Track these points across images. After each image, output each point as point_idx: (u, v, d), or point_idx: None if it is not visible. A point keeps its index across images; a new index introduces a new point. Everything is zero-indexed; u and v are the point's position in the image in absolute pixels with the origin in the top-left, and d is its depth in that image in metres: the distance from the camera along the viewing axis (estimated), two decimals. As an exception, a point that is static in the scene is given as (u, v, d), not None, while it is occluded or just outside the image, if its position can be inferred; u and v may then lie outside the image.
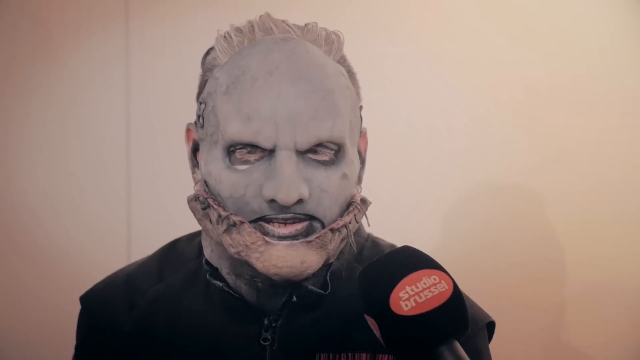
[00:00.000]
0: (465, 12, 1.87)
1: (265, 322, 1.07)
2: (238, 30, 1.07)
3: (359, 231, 1.14)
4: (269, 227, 1.00)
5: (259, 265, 1.00)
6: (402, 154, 1.86)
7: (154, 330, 1.11)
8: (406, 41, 1.87)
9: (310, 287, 1.06)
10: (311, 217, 1.00)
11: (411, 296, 0.86)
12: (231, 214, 1.00)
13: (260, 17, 1.08)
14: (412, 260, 0.90)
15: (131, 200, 2.04)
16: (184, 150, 2.04)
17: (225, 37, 1.07)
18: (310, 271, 1.01)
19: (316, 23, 1.08)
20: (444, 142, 1.88)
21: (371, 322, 0.90)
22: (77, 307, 1.99)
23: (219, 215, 1.01)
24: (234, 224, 1.00)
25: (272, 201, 0.98)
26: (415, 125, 1.88)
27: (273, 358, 1.06)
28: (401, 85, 1.86)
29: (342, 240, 1.05)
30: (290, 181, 0.97)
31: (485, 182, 1.87)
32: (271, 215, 0.99)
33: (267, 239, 0.99)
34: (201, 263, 1.13)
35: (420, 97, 1.88)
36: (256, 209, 0.99)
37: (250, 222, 1.00)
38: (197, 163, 1.09)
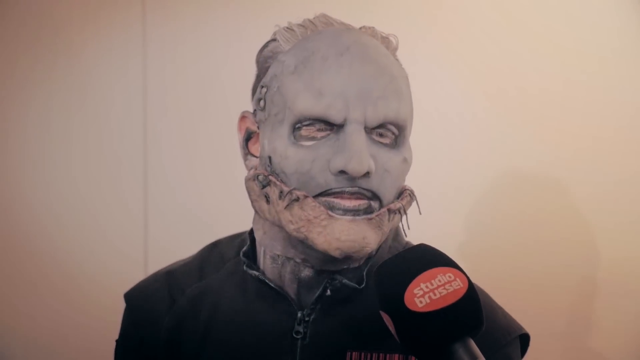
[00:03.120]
0: (478, 20, 1.90)
1: (299, 315, 1.09)
2: (299, 24, 1.10)
3: (398, 237, 1.15)
4: (334, 200, 1.01)
5: (320, 239, 1.01)
6: (422, 149, 1.87)
7: (192, 326, 1.14)
8: (417, 45, 1.90)
9: (345, 280, 1.07)
10: (373, 196, 1.02)
11: (426, 293, 0.87)
12: (294, 188, 1.02)
13: (315, 17, 1.11)
14: (427, 258, 0.91)
15: (148, 195, 2.05)
16: (201, 145, 2.05)
17: (286, 29, 1.10)
18: (369, 249, 1.02)
19: (373, 27, 1.12)
20: (462, 140, 1.90)
21: (386, 319, 0.90)
22: (91, 307, 2.01)
23: (281, 192, 1.03)
24: (297, 199, 1.01)
25: (340, 174, 1.00)
26: (435, 119, 1.90)
27: (304, 352, 1.08)
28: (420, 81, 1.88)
29: (390, 230, 1.07)
30: (361, 152, 0.99)
31: (511, 180, 1.88)
32: (337, 189, 1.01)
33: (330, 213, 1.01)
34: (239, 260, 1.15)
35: (438, 94, 1.90)
36: (322, 182, 1.01)
37: (314, 196, 1.01)
38: (249, 151, 1.11)
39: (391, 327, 0.90)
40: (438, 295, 0.86)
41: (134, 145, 2.05)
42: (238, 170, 1.17)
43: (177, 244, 1.99)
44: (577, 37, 1.85)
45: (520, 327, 1.12)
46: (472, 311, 0.87)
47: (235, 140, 1.14)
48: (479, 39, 1.89)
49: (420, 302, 0.86)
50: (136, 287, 1.23)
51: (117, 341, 1.21)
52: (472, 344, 0.87)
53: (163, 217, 2.05)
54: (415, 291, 0.87)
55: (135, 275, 1.98)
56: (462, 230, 1.88)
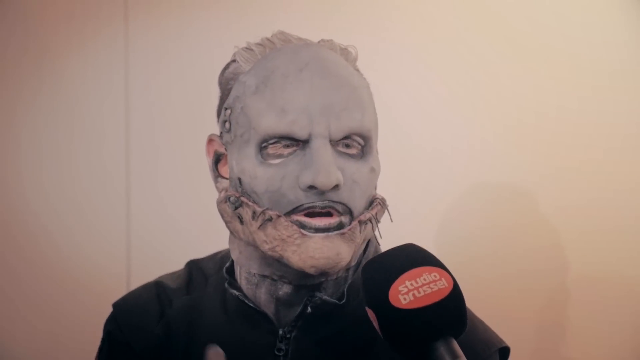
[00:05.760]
0: (473, 30, 1.91)
1: (280, 332, 1.09)
2: (257, 43, 1.11)
3: (374, 250, 1.16)
4: (305, 219, 1.02)
5: (295, 258, 1.01)
6: (399, 160, 1.88)
7: (177, 338, 1.14)
8: (414, 52, 1.93)
9: (325, 297, 1.08)
10: (343, 209, 1.03)
11: (410, 290, 0.87)
12: (267, 208, 1.02)
13: (273, 34, 1.12)
14: (414, 256, 0.91)
15: (131, 202, 2.05)
16: (183, 152, 2.07)
17: (245, 49, 1.11)
18: (343, 263, 1.03)
19: (331, 39, 1.13)
20: (445, 151, 1.91)
21: (371, 314, 0.91)
22: (75, 308, 2.00)
23: (254, 212, 1.03)
24: (270, 219, 1.02)
25: (309, 189, 1.01)
26: (415, 133, 1.92)
27: None
28: (403, 95, 1.90)
29: (363, 241, 1.07)
30: (328, 166, 1.00)
31: (484, 190, 1.89)
32: (307, 204, 1.01)
33: (303, 231, 1.01)
34: (221, 276, 1.16)
35: (420, 105, 1.92)
36: (292, 199, 1.01)
37: (286, 214, 1.02)
38: (219, 174, 1.12)
39: (375, 323, 0.90)
40: (422, 294, 0.87)
41: (118, 154, 2.06)
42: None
43: (159, 237, 2.00)
44: (591, 53, 1.87)
45: (501, 341, 1.13)
46: (455, 311, 0.88)
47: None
48: (463, 45, 1.91)
49: (404, 299, 0.87)
50: (126, 296, 1.24)
51: (100, 347, 1.21)
52: (454, 343, 0.87)
53: (146, 226, 2.05)
54: (400, 288, 0.87)
55: (118, 273, 2.01)
56: (434, 239, 1.89)
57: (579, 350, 1.84)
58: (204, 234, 1.92)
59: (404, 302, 0.86)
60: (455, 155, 1.90)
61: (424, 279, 0.88)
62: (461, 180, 1.89)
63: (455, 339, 0.87)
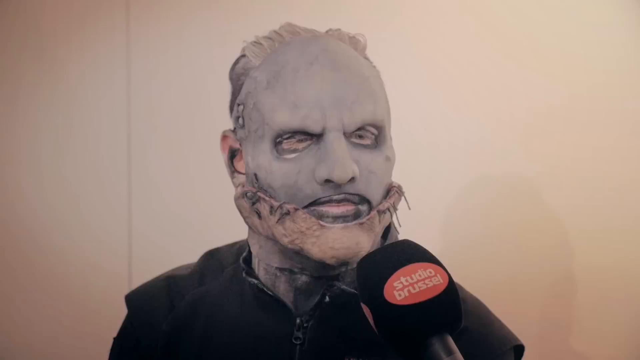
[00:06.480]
0: (468, 27, 1.92)
1: (298, 321, 1.09)
2: (266, 37, 1.12)
3: (392, 239, 1.16)
4: (322, 208, 1.02)
5: (315, 250, 1.02)
6: (398, 159, 1.88)
7: (192, 331, 1.15)
8: (409, 49, 1.93)
9: (344, 287, 1.08)
10: (360, 199, 1.03)
11: (405, 286, 0.87)
12: (284, 202, 1.03)
13: (281, 27, 1.13)
14: (409, 253, 0.91)
15: (132, 200, 2.05)
16: (185, 149, 2.07)
17: (254, 44, 1.12)
18: (363, 253, 1.03)
19: (339, 29, 1.13)
20: (443, 149, 1.92)
21: (366, 310, 0.91)
22: (76, 309, 2.00)
23: (271, 207, 1.04)
24: (288, 212, 1.02)
25: (325, 182, 1.01)
26: (414, 131, 1.91)
27: (303, 357, 1.08)
28: (400, 93, 1.90)
29: (382, 229, 1.08)
30: (344, 159, 1.00)
31: (485, 187, 1.90)
32: (324, 198, 1.02)
33: (322, 222, 1.02)
34: (238, 266, 1.17)
35: (420, 103, 1.93)
36: (309, 193, 1.02)
37: (303, 208, 1.03)
38: (235, 169, 1.13)
39: (370, 319, 0.90)
40: (417, 290, 0.87)
41: (119, 152, 2.06)
42: (224, 175, 1.18)
43: (161, 238, 2.00)
44: (586, 52, 1.87)
45: (516, 339, 1.13)
46: (450, 308, 0.88)
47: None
48: (469, 40, 1.91)
49: (399, 295, 0.87)
50: (136, 290, 1.24)
51: (114, 339, 1.23)
52: (449, 340, 0.87)
53: (147, 224, 2.05)
54: (395, 284, 0.88)
55: (119, 273, 2.01)
56: (435, 237, 1.89)
57: (583, 347, 1.84)
58: (206, 233, 1.92)
59: (399, 298, 0.87)
60: (455, 153, 1.90)
61: (419, 275, 0.88)
62: (461, 178, 1.90)
63: (451, 335, 0.88)
